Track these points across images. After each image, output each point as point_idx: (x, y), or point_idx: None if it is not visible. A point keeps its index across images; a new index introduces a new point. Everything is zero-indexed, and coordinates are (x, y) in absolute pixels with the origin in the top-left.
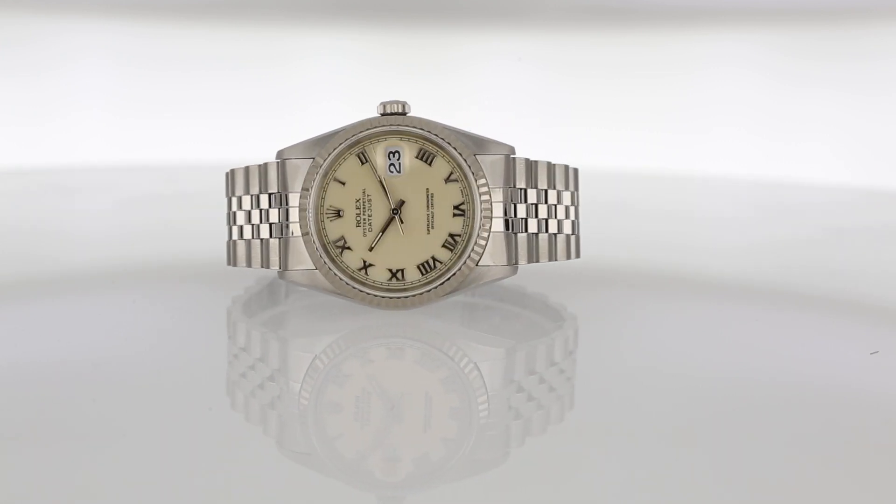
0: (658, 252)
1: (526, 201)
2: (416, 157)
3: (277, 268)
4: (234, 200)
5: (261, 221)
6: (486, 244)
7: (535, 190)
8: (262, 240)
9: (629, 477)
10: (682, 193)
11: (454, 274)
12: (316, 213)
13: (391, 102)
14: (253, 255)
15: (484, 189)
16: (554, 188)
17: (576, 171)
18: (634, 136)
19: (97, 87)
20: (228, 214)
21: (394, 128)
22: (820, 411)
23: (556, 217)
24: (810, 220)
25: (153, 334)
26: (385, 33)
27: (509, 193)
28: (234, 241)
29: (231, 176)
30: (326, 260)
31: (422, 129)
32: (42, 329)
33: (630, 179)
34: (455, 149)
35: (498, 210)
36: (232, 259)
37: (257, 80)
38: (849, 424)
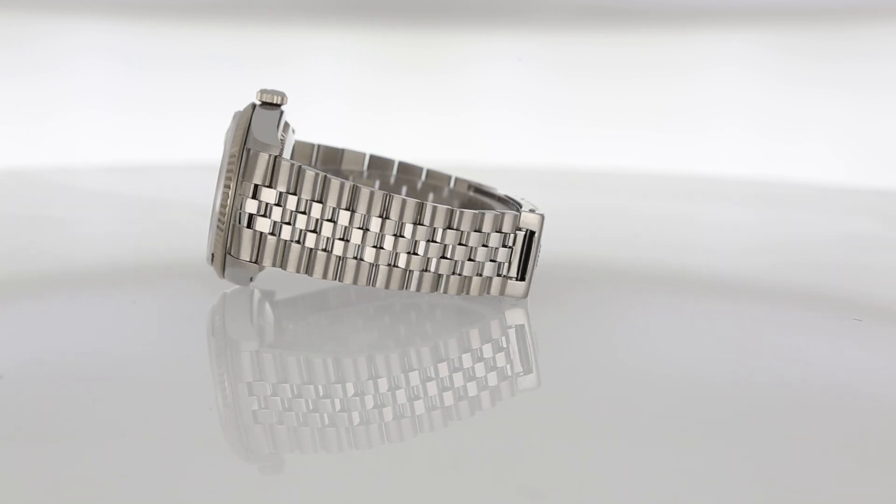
0: (655, 251)
1: (284, 205)
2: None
3: None
4: None
5: None
6: (227, 235)
7: (297, 198)
8: None
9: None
10: (681, 193)
11: (212, 260)
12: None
13: (268, 92)
14: None
15: (226, 182)
16: (355, 211)
17: (386, 197)
18: (634, 136)
19: (97, 87)
20: None
21: (240, 115)
22: (817, 412)
23: (325, 234)
24: (810, 219)
25: (152, 334)
26: (385, 33)
27: (260, 192)
28: None
29: None
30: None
31: (246, 122)
32: (42, 327)
33: (629, 179)
34: (245, 141)
35: (250, 206)
36: None
37: (257, 80)
38: (846, 424)
